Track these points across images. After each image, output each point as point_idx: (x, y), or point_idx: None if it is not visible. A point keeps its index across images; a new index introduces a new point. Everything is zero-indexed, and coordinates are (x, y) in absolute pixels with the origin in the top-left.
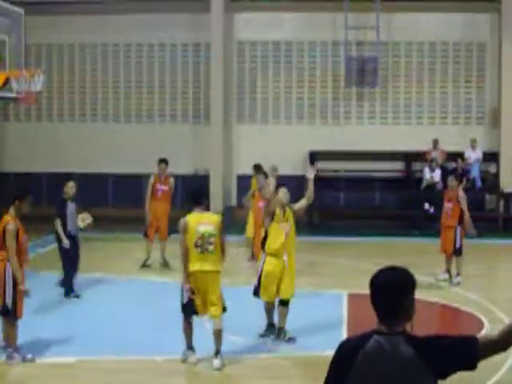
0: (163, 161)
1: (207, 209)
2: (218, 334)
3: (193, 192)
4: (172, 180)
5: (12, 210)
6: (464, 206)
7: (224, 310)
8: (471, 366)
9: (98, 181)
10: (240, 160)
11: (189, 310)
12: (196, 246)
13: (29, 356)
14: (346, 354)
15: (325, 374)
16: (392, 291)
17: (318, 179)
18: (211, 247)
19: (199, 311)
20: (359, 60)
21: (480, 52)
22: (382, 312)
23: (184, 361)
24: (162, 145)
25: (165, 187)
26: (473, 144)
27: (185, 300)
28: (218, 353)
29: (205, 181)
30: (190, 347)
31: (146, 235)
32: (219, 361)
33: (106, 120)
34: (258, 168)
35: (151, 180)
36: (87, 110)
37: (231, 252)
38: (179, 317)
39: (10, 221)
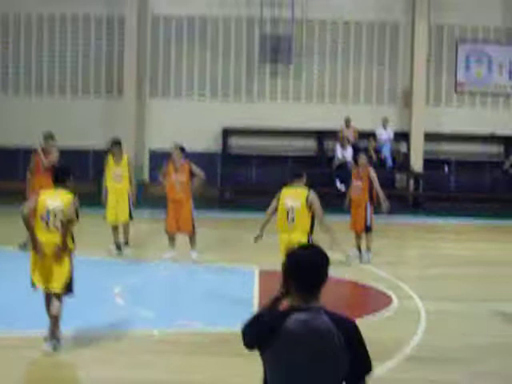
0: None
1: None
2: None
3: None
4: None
5: None
6: (376, 184)
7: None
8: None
9: (9, 155)
10: (153, 135)
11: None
12: (41, 218)
13: None
14: (264, 332)
15: (239, 348)
16: (317, 268)
17: (230, 156)
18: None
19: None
20: (274, 37)
21: (393, 33)
22: (303, 288)
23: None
24: (74, 119)
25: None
26: (384, 123)
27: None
28: (52, 337)
29: None
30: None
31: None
32: (48, 345)
33: (17, 93)
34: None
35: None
36: None
37: (145, 227)
38: None
39: None
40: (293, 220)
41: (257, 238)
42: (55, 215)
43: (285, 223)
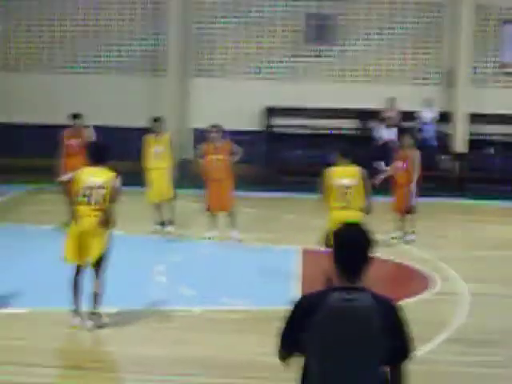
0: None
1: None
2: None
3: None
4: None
5: None
6: (416, 164)
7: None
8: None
9: (51, 132)
10: (197, 113)
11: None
12: (84, 195)
13: None
14: (306, 309)
15: (278, 329)
16: (361, 247)
17: (274, 135)
18: (100, 199)
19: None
20: (319, 16)
21: (439, 12)
22: (347, 268)
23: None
24: (119, 96)
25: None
26: (429, 103)
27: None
28: (93, 314)
29: None
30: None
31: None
32: (92, 323)
33: (59, 71)
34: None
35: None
36: (36, 60)
37: (187, 205)
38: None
39: None
40: (349, 198)
41: None
42: (97, 191)
43: (340, 201)
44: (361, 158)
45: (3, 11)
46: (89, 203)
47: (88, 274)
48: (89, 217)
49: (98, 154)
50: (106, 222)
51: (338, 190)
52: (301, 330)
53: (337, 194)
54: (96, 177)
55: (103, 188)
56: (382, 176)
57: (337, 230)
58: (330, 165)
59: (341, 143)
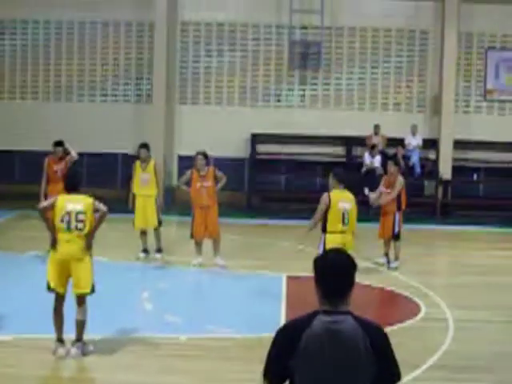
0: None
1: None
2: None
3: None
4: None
5: None
6: (397, 188)
7: (92, 290)
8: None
9: (39, 159)
10: (182, 140)
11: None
12: (62, 221)
13: None
14: (290, 336)
15: (264, 356)
16: (345, 271)
17: (259, 162)
18: (80, 225)
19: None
20: (303, 44)
21: (423, 40)
22: (331, 292)
23: (54, 352)
24: (104, 124)
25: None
26: (413, 130)
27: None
28: (78, 340)
29: None
30: (58, 339)
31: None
32: (76, 349)
33: (47, 99)
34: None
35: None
36: (28, 89)
37: (172, 232)
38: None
39: None
40: (347, 222)
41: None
42: (76, 216)
43: (339, 225)
44: (347, 184)
45: None
46: (68, 229)
47: (71, 300)
48: (68, 243)
49: (73, 181)
50: (89, 247)
51: (339, 214)
52: (287, 358)
53: (337, 218)
54: (75, 203)
55: (83, 213)
56: (374, 198)
57: (320, 256)
58: (326, 189)
59: (335, 168)
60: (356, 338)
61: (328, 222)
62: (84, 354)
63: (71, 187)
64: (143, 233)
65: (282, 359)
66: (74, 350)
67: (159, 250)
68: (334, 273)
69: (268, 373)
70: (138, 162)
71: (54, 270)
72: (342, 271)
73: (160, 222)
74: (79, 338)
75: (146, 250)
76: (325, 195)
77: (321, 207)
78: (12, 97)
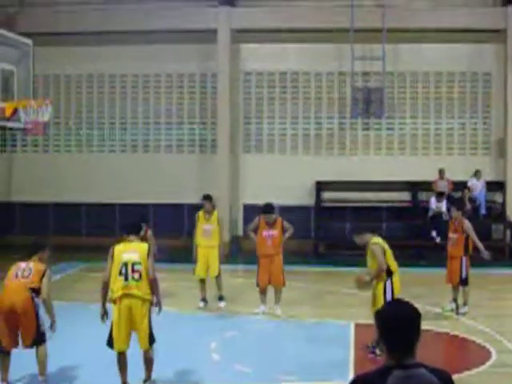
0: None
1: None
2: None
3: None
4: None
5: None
6: (472, 235)
7: (152, 341)
8: None
9: (105, 211)
10: (246, 190)
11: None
12: (120, 273)
13: None
14: None
15: None
16: (412, 323)
17: (324, 209)
18: (136, 275)
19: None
20: (365, 90)
21: (485, 82)
22: (400, 345)
23: None
24: (169, 175)
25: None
26: (477, 175)
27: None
28: (147, 379)
29: None
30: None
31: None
32: None
33: (113, 151)
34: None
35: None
36: (94, 141)
37: (237, 281)
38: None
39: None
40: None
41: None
42: (132, 267)
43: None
44: (414, 229)
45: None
46: (126, 281)
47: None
48: (128, 296)
49: (128, 229)
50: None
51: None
52: None
53: (394, 262)
54: (129, 252)
55: (139, 262)
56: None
57: (383, 309)
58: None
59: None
60: None
61: (392, 267)
62: None
63: (128, 233)
64: (202, 282)
65: None
66: None
67: (221, 298)
68: (401, 326)
69: None
70: (200, 213)
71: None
72: (409, 324)
73: (219, 272)
74: (149, 376)
75: (205, 299)
76: (376, 246)
77: (380, 256)
78: (88, 150)
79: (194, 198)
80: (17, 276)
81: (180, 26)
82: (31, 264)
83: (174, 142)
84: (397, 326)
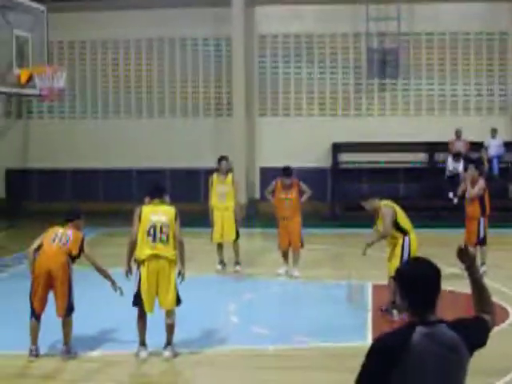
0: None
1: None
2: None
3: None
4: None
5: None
6: (475, 192)
7: (179, 301)
8: (484, 343)
9: (123, 176)
10: (262, 153)
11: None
12: (148, 234)
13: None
14: (390, 350)
15: (353, 366)
16: (433, 281)
17: (341, 171)
18: (164, 236)
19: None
20: (380, 51)
21: (502, 41)
22: (423, 303)
23: (136, 356)
24: (185, 139)
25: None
26: (493, 134)
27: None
28: (168, 344)
29: None
30: (142, 343)
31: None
32: (169, 352)
33: (129, 116)
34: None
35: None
36: (110, 107)
37: (254, 244)
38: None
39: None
40: None
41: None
42: (161, 229)
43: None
44: (431, 190)
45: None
46: (154, 242)
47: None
48: (156, 257)
49: (153, 193)
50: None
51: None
52: (386, 371)
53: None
54: (157, 214)
55: (167, 224)
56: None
57: (405, 268)
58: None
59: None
60: (456, 343)
61: (404, 225)
62: (175, 355)
63: (154, 196)
64: (220, 246)
65: (380, 373)
66: (165, 353)
67: (238, 263)
68: (423, 284)
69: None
70: (214, 175)
71: (144, 286)
72: (431, 281)
73: (238, 235)
74: (170, 342)
75: (222, 262)
76: (387, 208)
77: (387, 222)
78: (103, 116)
79: (210, 162)
80: (54, 240)
81: None
82: (69, 231)
83: (190, 106)
84: (419, 283)
